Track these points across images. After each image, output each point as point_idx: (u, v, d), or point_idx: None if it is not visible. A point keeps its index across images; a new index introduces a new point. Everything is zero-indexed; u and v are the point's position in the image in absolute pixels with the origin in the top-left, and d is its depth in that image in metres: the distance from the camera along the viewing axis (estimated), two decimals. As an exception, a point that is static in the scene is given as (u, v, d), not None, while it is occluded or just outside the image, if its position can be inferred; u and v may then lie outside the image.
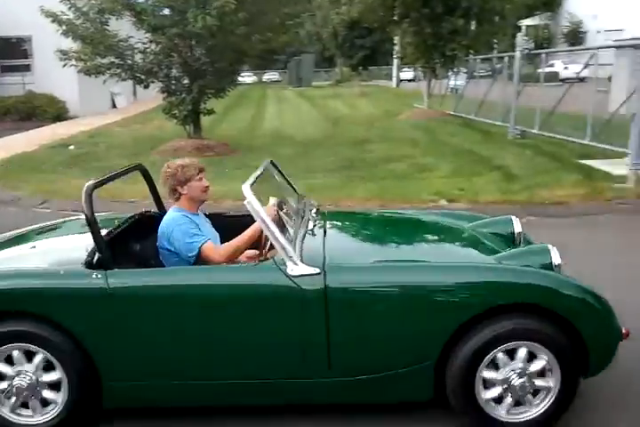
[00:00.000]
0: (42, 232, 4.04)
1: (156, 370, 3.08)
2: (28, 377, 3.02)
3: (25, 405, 3.08)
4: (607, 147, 9.39)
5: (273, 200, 3.41)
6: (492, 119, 14.52)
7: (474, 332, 2.90)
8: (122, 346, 3.02)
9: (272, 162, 3.94)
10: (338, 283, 2.92)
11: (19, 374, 3.02)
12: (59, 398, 3.06)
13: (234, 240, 3.32)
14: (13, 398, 3.04)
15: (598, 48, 10.03)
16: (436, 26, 16.06)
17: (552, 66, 39.78)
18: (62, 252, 3.53)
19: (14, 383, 3.01)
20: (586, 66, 10.02)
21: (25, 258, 3.45)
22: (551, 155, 10.54)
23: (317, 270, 2.92)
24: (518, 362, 2.92)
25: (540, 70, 13.47)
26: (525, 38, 50.01)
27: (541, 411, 2.97)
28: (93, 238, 3.05)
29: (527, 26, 54.57)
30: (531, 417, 2.98)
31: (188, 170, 3.38)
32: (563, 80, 11.63)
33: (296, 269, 2.92)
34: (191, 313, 3.00)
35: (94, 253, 3.07)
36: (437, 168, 9.97)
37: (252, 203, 2.97)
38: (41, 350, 2.99)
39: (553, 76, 30.43)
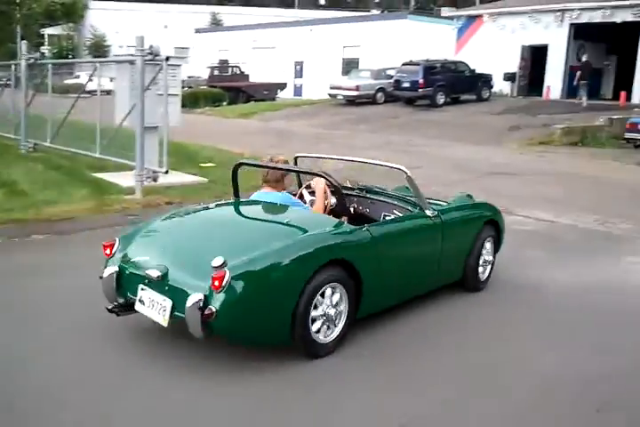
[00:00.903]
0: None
1: (390, 285, 4.59)
2: (332, 307, 4.05)
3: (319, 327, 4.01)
4: (115, 159, 9.53)
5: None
6: (5, 132, 13.52)
7: None
8: (377, 274, 4.36)
9: None
10: (444, 219, 5.14)
11: (328, 305, 4.03)
12: (341, 323, 4.15)
13: (317, 207, 4.88)
14: (319, 322, 3.99)
15: (99, 62, 10.29)
16: None
17: (78, 77, 39.78)
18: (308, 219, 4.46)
19: (325, 311, 4.01)
20: (90, 78, 10.11)
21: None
22: (64, 169, 10.25)
23: (436, 213, 5.09)
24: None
25: (67, 82, 12.95)
26: (48, 47, 48.61)
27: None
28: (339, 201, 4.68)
29: (50, 35, 53.35)
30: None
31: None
32: (90, 92, 11.38)
33: (430, 213, 5.03)
34: (406, 246, 4.79)
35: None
36: None
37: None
38: (340, 286, 4.08)
39: (78, 88, 30.42)
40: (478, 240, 5.55)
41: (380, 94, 26.64)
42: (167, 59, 8.56)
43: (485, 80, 25.70)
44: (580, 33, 25.94)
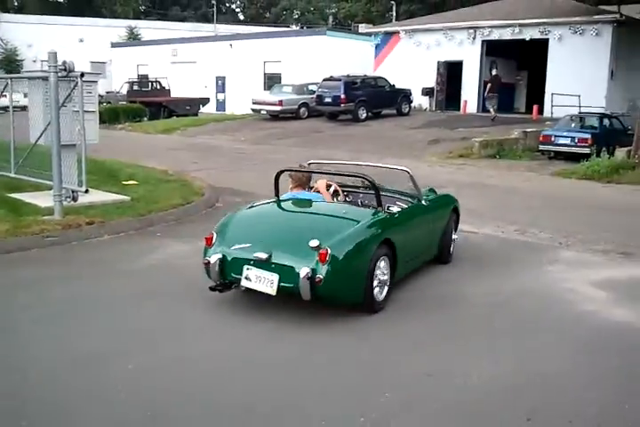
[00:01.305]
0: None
1: (408, 257, 6.07)
2: (384, 274, 5.53)
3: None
4: (31, 179, 9.15)
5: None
6: None
7: None
8: (402, 249, 5.76)
9: None
10: (432, 207, 6.88)
11: (382, 273, 5.50)
12: (386, 287, 5.62)
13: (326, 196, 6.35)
14: (377, 286, 5.42)
15: (11, 78, 9.89)
16: None
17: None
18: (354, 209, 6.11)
19: (380, 277, 5.45)
20: (2, 94, 9.69)
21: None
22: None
23: (428, 203, 6.83)
24: None
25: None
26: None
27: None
28: (377, 198, 5.94)
29: (-44, 49, 51.08)
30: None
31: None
32: (3, 108, 10.88)
33: (425, 203, 6.78)
34: (416, 227, 6.40)
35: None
36: None
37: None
38: (386, 258, 5.54)
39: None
40: (450, 222, 7.22)
41: (303, 109, 26.83)
42: (82, 75, 8.30)
43: (405, 95, 26.31)
44: (492, 49, 27.01)
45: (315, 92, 26.22)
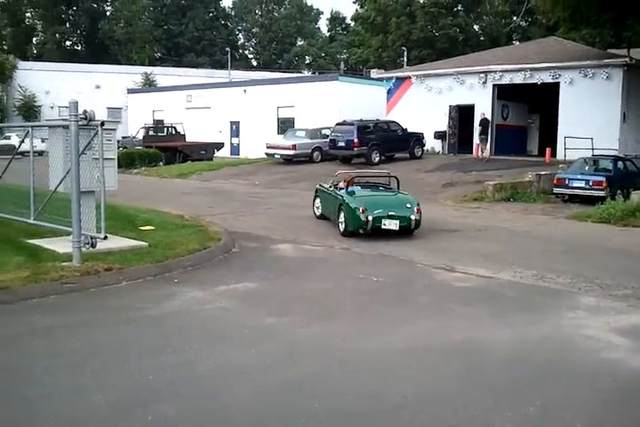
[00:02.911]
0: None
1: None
2: None
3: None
4: (50, 225, 9.24)
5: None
6: None
7: None
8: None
9: None
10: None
11: None
12: None
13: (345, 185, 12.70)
14: None
15: (32, 126, 10.12)
16: None
17: (8, 138, 38.89)
18: None
19: None
20: (22, 142, 9.89)
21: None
22: (-4, 235, 9.87)
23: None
24: None
25: None
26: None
27: None
28: (398, 185, 13.26)
29: (-21, 96, 52.36)
30: None
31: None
32: (22, 153, 11.07)
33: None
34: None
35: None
36: None
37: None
38: None
39: (10, 149, 29.70)
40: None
41: (316, 153, 27.08)
42: (102, 124, 8.47)
43: (417, 139, 26.54)
44: (504, 93, 27.31)
45: (328, 136, 26.52)
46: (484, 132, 24.93)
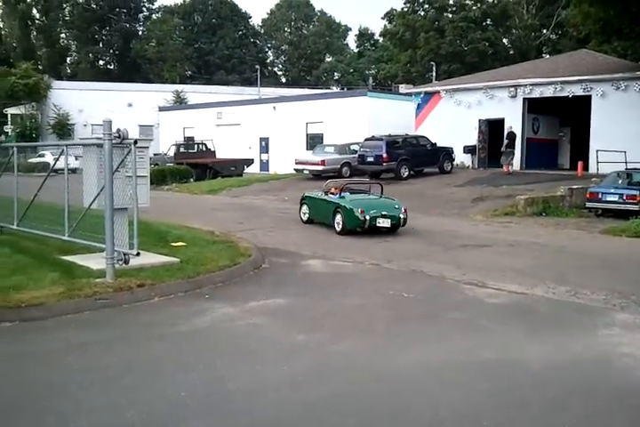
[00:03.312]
0: None
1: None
2: None
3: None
4: (84, 242, 9.39)
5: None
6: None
7: None
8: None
9: None
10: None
11: None
12: None
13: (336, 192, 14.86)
14: None
15: (67, 144, 10.33)
16: None
17: (43, 156, 39.70)
18: None
19: None
20: (56, 160, 10.12)
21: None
22: (31, 252, 10.06)
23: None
24: None
25: (31, 160, 12.79)
26: (11, 127, 48.74)
27: None
28: (382, 191, 15.12)
29: (12, 114, 53.62)
30: None
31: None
32: (56, 170, 11.29)
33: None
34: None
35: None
36: None
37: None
38: None
39: (45, 167, 30.31)
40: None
41: (345, 168, 27.13)
42: (136, 142, 8.61)
43: (447, 153, 26.46)
44: (534, 106, 27.12)
45: (357, 151, 26.57)
46: (510, 146, 24.84)
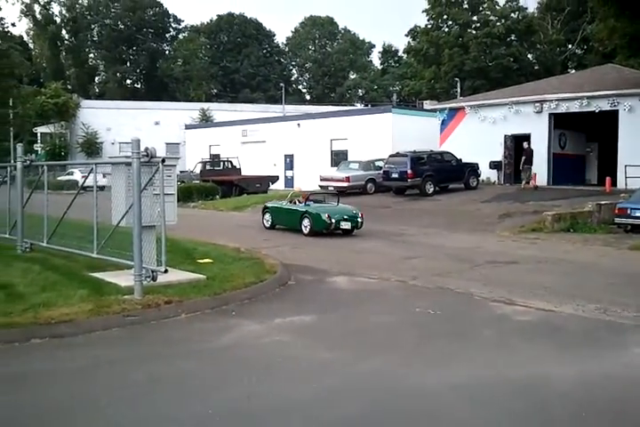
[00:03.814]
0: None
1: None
2: None
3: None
4: (113, 259, 9.51)
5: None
6: (0, 231, 13.50)
7: None
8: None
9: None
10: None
11: None
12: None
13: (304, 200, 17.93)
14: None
15: (96, 163, 10.52)
16: None
17: (71, 174, 40.36)
18: None
19: None
20: (86, 178, 10.30)
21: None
22: (61, 269, 10.19)
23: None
24: None
25: (60, 178, 13.03)
26: (41, 145, 49.62)
27: None
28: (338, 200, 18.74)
29: (42, 133, 54.65)
30: None
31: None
32: (84, 188, 11.48)
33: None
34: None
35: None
36: None
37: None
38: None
39: (73, 184, 30.78)
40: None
41: (370, 185, 27.17)
42: (163, 160, 8.74)
43: (472, 169, 26.36)
44: (560, 122, 26.94)
45: (381, 168, 26.60)
46: (527, 162, 24.97)
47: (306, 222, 16.85)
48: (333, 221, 16.39)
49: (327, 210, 16.82)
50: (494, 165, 27.77)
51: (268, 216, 18.62)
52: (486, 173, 27.64)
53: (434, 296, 9.47)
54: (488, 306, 8.83)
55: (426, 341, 7.22)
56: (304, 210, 17.07)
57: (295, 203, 17.90)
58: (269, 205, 19.08)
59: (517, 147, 27.25)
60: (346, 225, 16.64)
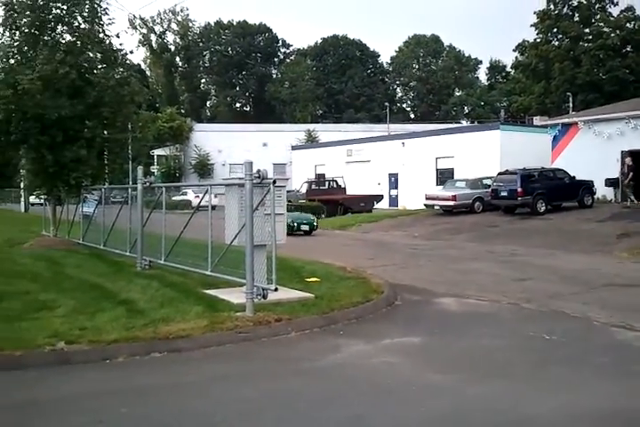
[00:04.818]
0: None
1: None
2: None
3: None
4: (226, 277, 9.83)
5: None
6: (122, 249, 14.31)
7: None
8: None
9: None
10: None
11: None
12: None
13: None
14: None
15: (211, 185, 10.97)
16: (58, 154, 15.68)
17: (185, 194, 42.17)
18: None
19: None
20: (201, 199, 10.77)
21: None
22: (177, 286, 10.65)
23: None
24: None
25: (174, 198, 13.73)
26: (157, 167, 52.28)
27: None
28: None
29: (158, 155, 57.57)
30: None
31: None
32: (198, 208, 12.00)
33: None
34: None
35: None
36: (58, 305, 9.20)
37: None
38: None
39: (186, 204, 32.18)
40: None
41: (477, 203, 26.65)
42: (274, 182, 9.00)
43: (587, 187, 25.32)
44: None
45: (489, 186, 26.05)
46: (632, 179, 24.41)
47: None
48: (295, 224, 22.33)
49: (290, 216, 20.14)
50: (610, 183, 26.53)
51: None
52: (602, 190, 26.44)
53: (548, 320, 9.11)
54: (607, 331, 8.40)
55: (540, 367, 6.95)
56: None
57: None
58: None
59: (636, 163, 25.90)
60: (304, 227, 23.11)
